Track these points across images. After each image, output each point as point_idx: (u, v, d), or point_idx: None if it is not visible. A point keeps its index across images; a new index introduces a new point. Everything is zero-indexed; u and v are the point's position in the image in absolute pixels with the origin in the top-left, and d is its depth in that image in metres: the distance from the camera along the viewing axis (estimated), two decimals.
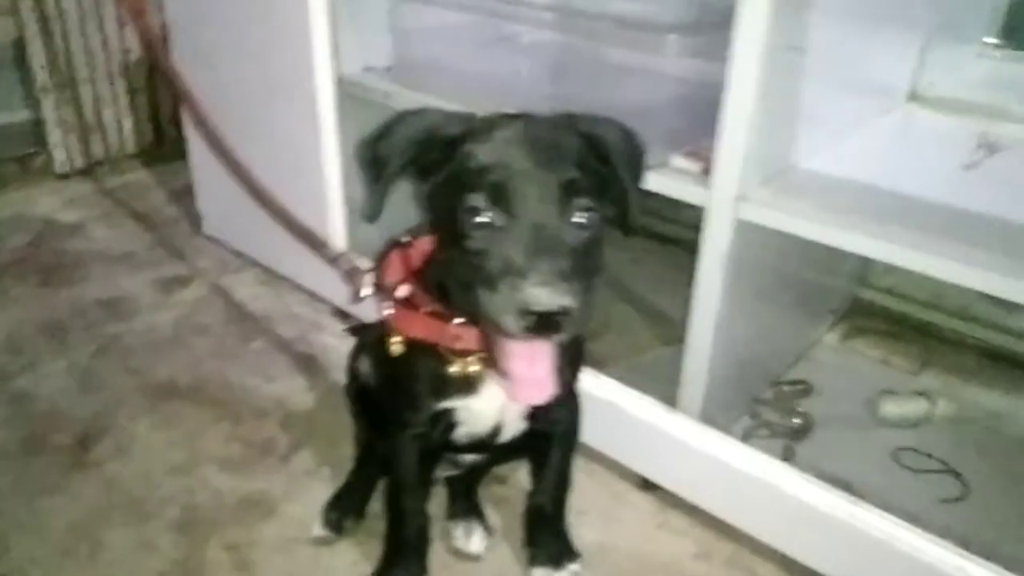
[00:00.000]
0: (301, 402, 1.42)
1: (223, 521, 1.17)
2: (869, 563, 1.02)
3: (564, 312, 0.71)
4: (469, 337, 0.88)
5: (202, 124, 1.48)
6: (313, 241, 1.22)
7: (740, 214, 1.02)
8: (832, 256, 1.39)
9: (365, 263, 1.09)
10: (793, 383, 1.36)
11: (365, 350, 1.18)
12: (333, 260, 1.14)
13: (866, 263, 1.57)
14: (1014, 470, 1.24)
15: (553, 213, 0.75)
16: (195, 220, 1.99)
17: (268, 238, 1.76)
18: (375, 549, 1.09)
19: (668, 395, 1.20)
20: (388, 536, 1.06)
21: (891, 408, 1.30)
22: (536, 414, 0.99)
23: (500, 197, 0.74)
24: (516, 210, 0.74)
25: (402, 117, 0.83)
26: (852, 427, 1.30)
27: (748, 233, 1.05)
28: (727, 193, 1.01)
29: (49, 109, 2.20)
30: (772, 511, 1.11)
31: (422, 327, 0.90)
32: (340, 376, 1.27)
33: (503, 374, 0.80)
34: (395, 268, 0.95)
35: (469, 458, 1.10)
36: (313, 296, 1.71)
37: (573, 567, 1.07)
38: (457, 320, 0.88)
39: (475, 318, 0.82)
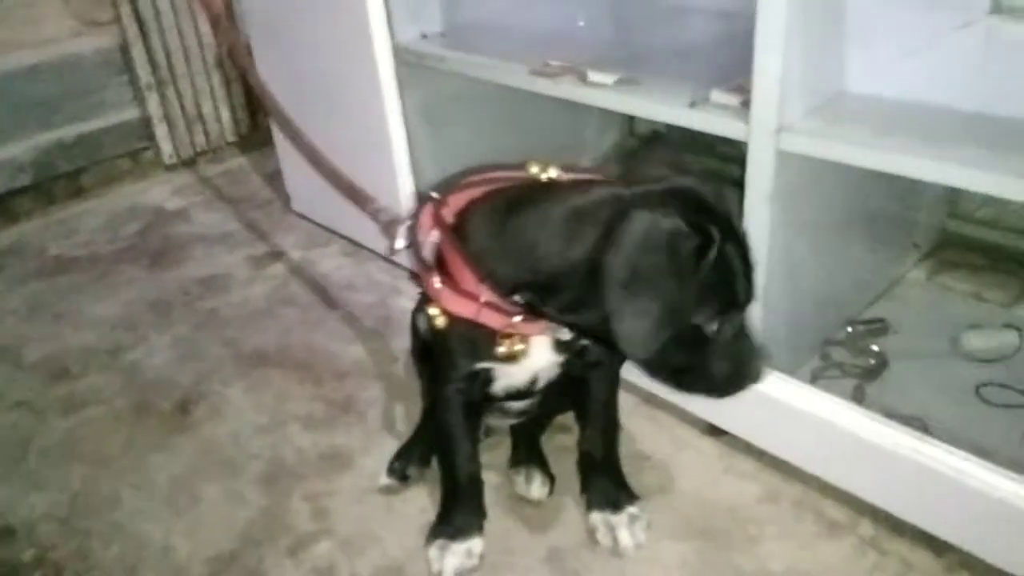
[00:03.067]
0: (378, 362, 1.49)
1: (304, 474, 1.25)
2: (938, 500, 0.98)
3: None
4: (526, 328, 0.91)
5: (257, 84, 1.55)
6: (357, 196, 1.26)
7: (782, 146, 0.98)
8: (905, 187, 1.32)
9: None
10: (868, 322, 1.31)
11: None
12: (374, 214, 1.18)
13: (954, 193, 1.47)
14: None
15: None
16: (286, 200, 2.10)
17: (350, 211, 1.84)
18: None
19: None
20: (443, 484, 1.10)
21: (975, 342, 1.22)
22: (571, 361, 1.00)
23: (737, 306, 0.82)
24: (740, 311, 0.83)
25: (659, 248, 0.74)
26: (932, 364, 1.23)
27: (795, 166, 1.02)
28: (766, 125, 0.98)
29: (154, 105, 2.37)
30: (838, 452, 1.07)
31: (479, 315, 0.90)
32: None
33: None
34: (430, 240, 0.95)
35: (517, 406, 1.12)
36: (392, 263, 1.77)
37: (631, 509, 1.08)
38: (517, 316, 0.89)
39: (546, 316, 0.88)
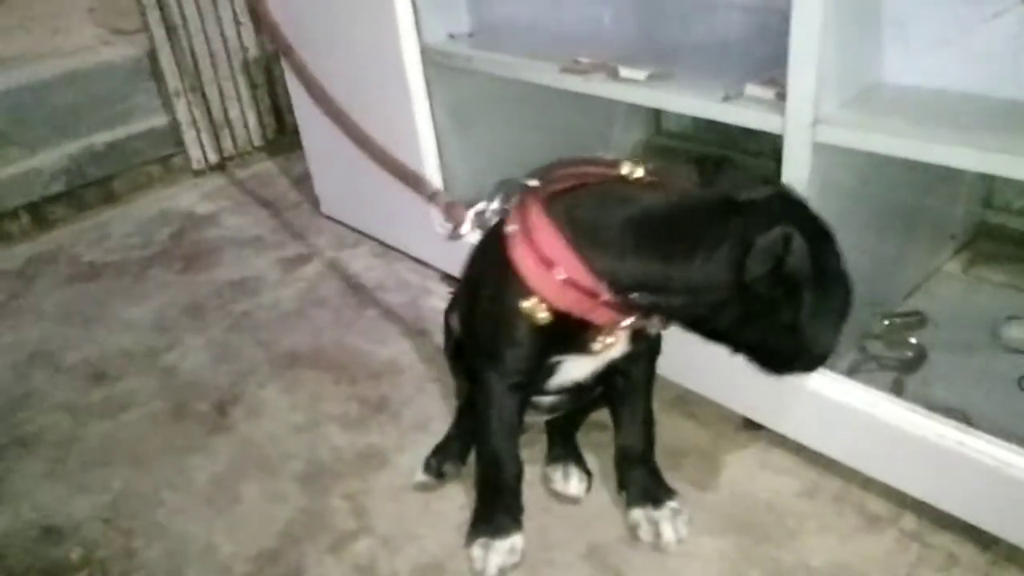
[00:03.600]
0: (411, 362, 1.49)
1: (342, 473, 1.26)
2: (983, 492, 0.97)
3: None
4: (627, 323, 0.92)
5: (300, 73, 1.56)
6: (411, 179, 1.22)
7: (818, 138, 0.98)
8: (941, 179, 1.31)
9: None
10: (905, 315, 1.29)
11: (456, 305, 1.23)
12: (431, 197, 1.15)
13: (989, 184, 1.46)
14: None
15: None
16: (315, 202, 2.11)
17: (379, 213, 1.86)
18: None
19: None
20: (483, 482, 1.09)
21: (1016, 333, 1.21)
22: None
23: None
24: None
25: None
26: (971, 356, 1.22)
27: (831, 159, 1.01)
28: (802, 117, 0.97)
29: (182, 111, 2.40)
30: (879, 445, 1.07)
31: (593, 312, 0.90)
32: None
33: None
34: (543, 232, 0.89)
35: (547, 401, 1.12)
36: (422, 264, 1.78)
37: (672, 504, 1.08)
38: (630, 318, 0.91)
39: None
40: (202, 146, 2.45)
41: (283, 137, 2.58)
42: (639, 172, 0.92)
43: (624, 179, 0.92)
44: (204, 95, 2.42)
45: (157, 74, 2.36)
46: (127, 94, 2.36)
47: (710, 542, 1.07)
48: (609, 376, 1.05)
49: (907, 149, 0.93)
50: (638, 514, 1.09)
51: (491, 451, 1.07)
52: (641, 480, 1.10)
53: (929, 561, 1.01)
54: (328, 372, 1.49)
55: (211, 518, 1.20)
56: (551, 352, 0.97)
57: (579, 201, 0.91)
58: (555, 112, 1.64)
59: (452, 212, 1.08)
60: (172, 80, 2.36)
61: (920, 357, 1.21)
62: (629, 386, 1.07)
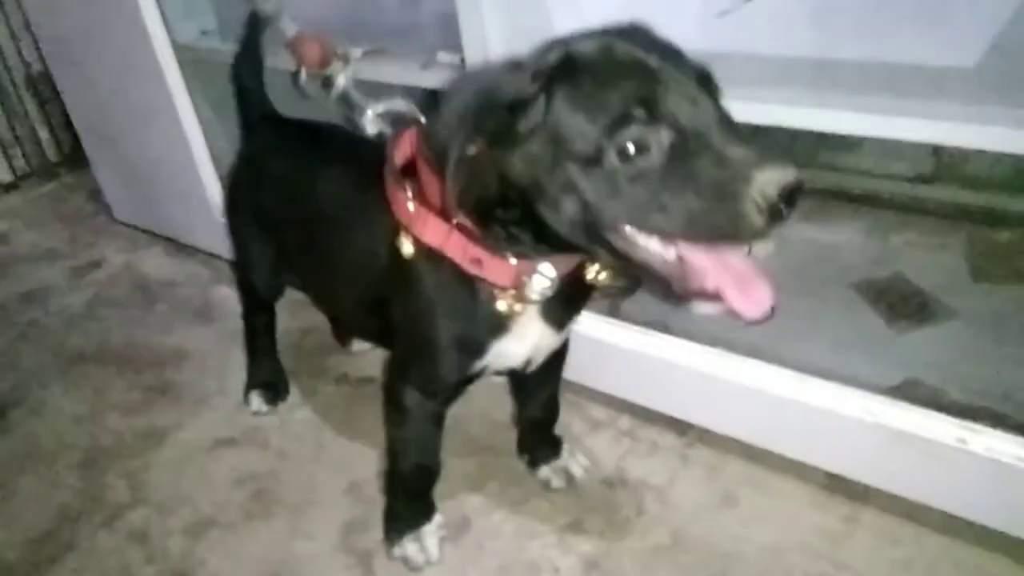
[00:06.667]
0: (197, 347, 1.55)
1: (121, 454, 1.30)
2: (679, 388, 1.15)
3: (799, 184, 0.58)
4: (516, 273, 0.79)
5: None
6: None
7: None
8: None
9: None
10: None
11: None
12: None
13: None
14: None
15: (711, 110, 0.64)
16: (110, 212, 2.11)
17: (167, 211, 1.89)
18: (256, 454, 1.25)
19: None
20: (403, 489, 1.06)
21: None
22: None
23: (656, 112, 0.63)
24: (679, 121, 0.63)
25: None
26: None
27: None
28: None
29: None
30: (597, 360, 1.21)
31: (447, 243, 0.80)
32: (234, 319, 1.40)
33: (709, 299, 0.66)
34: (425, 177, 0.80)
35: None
36: (213, 256, 1.83)
37: (566, 447, 1.15)
38: (512, 258, 0.78)
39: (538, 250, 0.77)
40: None
41: (80, 152, 2.54)
42: None
43: None
44: None
45: None
46: None
47: (458, 463, 1.19)
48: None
49: None
50: (546, 470, 1.14)
51: (416, 466, 1.03)
52: (546, 444, 1.15)
53: (636, 451, 1.17)
54: (113, 366, 1.53)
55: None
56: (477, 350, 0.87)
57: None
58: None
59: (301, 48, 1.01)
60: None
61: (635, 285, 1.38)
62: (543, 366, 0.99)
